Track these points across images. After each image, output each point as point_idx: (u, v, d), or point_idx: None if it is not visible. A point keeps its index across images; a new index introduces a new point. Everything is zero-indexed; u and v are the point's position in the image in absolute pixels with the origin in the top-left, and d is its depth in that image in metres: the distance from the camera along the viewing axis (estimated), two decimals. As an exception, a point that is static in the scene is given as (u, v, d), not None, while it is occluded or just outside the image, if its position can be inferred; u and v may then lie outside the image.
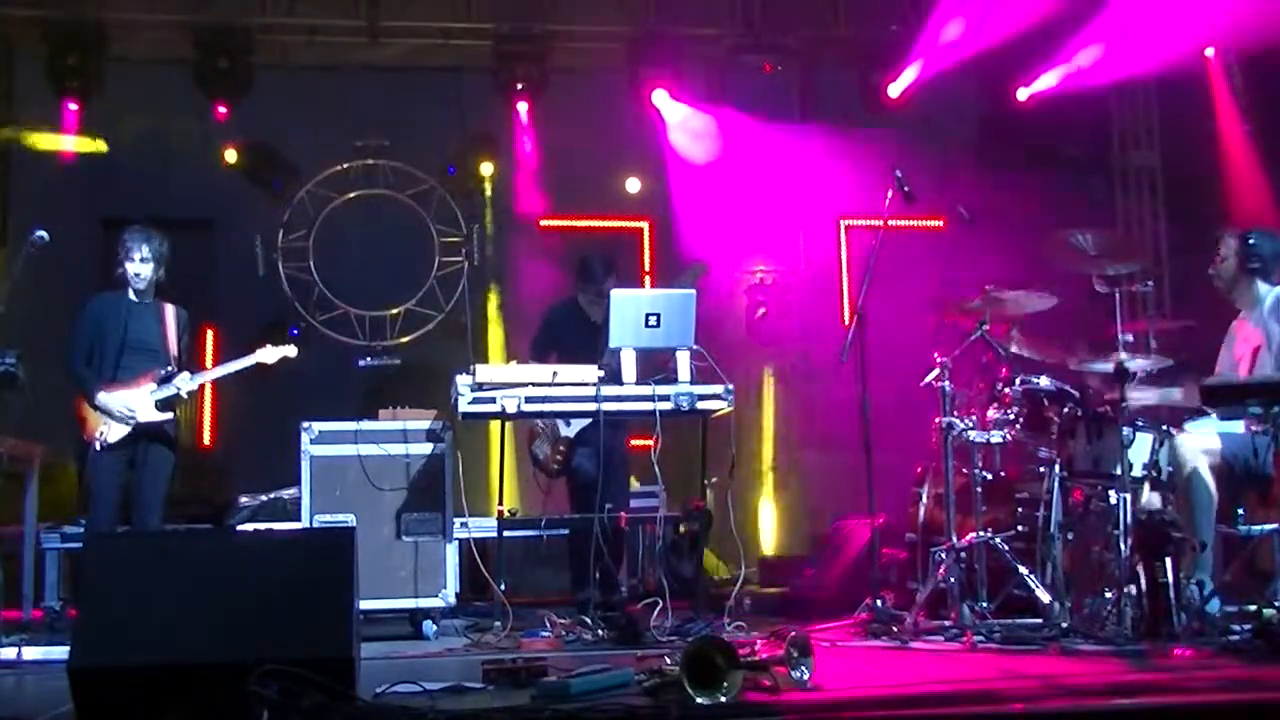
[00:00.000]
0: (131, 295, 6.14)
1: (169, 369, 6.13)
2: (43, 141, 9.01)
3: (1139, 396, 5.74)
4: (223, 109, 8.97)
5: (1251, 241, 5.74)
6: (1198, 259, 6.08)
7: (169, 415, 6.13)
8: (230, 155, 9.28)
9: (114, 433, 6.02)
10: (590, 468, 6.32)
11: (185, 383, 6.13)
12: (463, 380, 5.87)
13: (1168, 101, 9.71)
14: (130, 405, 6.02)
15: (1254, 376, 5.55)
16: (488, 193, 9.78)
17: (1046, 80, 9.16)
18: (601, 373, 5.98)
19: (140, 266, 6.11)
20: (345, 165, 9.53)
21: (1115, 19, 8.52)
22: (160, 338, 6.19)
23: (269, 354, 6.38)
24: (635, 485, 7.41)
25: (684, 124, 9.51)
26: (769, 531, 9.94)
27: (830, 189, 9.41)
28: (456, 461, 6.26)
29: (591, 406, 5.92)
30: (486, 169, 9.71)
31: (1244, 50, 8.72)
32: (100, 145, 9.01)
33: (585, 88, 9.54)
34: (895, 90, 9.32)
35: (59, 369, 6.13)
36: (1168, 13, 8.34)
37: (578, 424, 6.55)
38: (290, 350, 6.46)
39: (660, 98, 9.29)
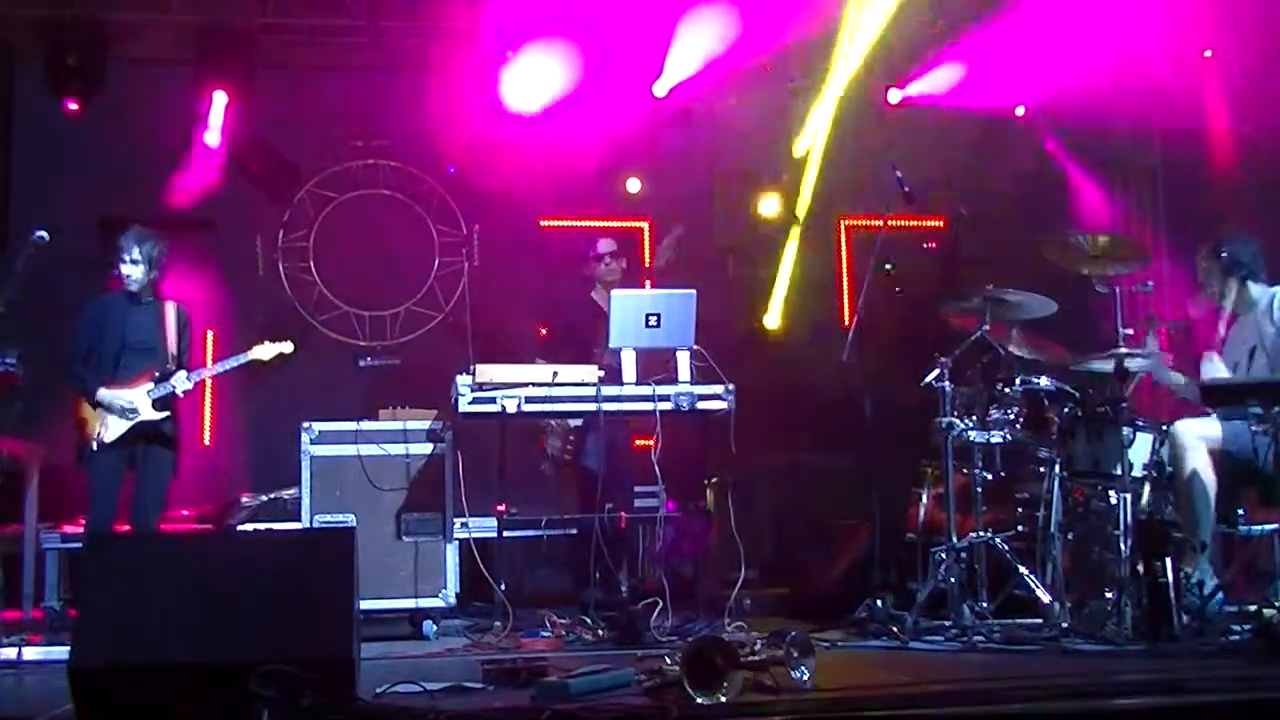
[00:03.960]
0: (129, 296, 6.15)
1: (167, 368, 6.13)
2: None
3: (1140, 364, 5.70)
4: (223, 108, 8.95)
5: (1224, 254, 5.69)
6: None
7: (166, 413, 6.12)
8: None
9: (111, 431, 6.02)
10: (599, 465, 6.32)
11: (181, 381, 6.12)
12: (463, 380, 5.87)
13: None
14: (130, 401, 6.02)
15: (1252, 376, 5.55)
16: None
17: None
18: (602, 373, 5.98)
19: (131, 268, 6.11)
20: (345, 165, 9.53)
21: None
22: (159, 338, 6.19)
23: (265, 350, 6.37)
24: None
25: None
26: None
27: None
28: (457, 461, 6.26)
29: (591, 406, 5.92)
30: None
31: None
32: None
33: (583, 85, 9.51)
34: (895, 97, 9.29)
35: (59, 370, 6.13)
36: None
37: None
38: (286, 346, 6.45)
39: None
